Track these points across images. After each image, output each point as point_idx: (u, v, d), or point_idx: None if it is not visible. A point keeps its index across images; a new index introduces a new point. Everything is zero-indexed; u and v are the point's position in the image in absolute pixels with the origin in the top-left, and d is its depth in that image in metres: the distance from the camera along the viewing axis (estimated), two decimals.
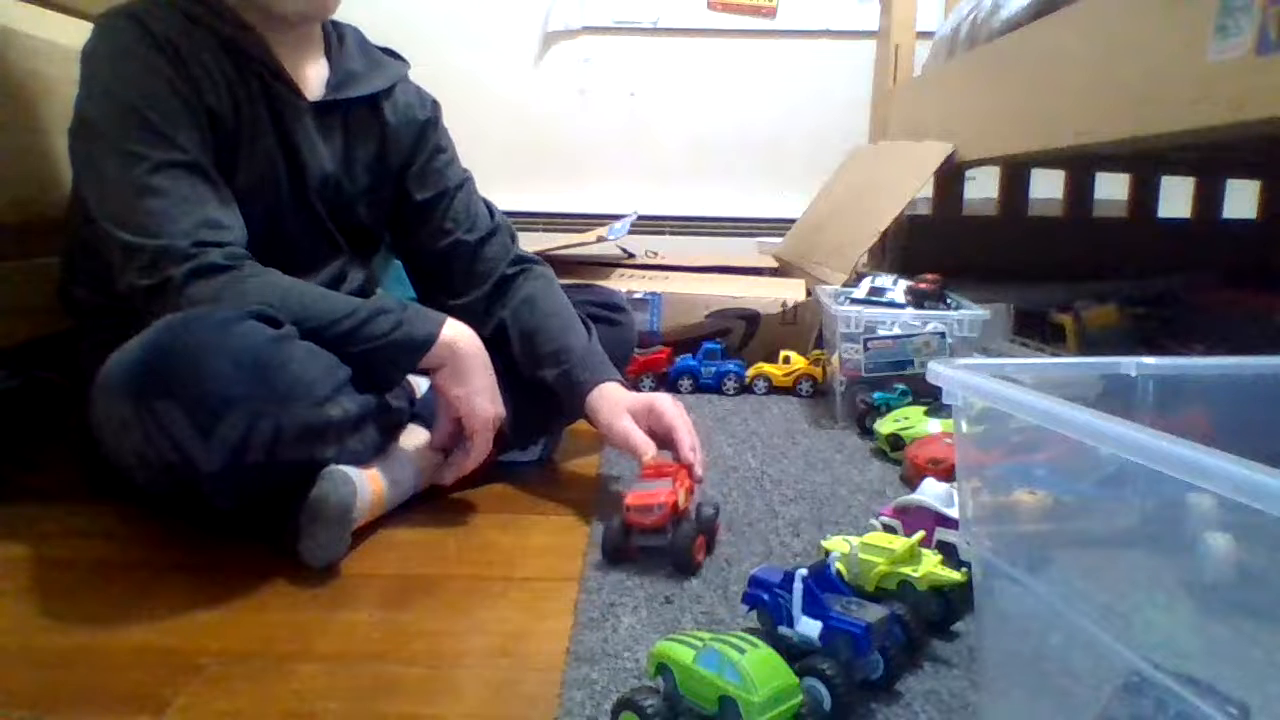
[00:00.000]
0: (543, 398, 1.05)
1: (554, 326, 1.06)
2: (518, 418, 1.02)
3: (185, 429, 0.74)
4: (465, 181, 1.14)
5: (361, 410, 0.88)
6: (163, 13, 0.90)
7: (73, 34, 1.14)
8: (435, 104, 1.14)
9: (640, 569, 0.81)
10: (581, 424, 1.18)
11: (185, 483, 0.78)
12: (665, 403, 0.99)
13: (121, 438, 0.80)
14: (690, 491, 0.90)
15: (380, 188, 1.08)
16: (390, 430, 0.96)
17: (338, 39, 1.04)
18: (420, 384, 1.04)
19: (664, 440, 0.97)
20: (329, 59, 1.03)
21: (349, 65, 1.03)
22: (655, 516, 0.83)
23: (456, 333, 0.92)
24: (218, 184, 0.89)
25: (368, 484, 0.87)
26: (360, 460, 0.88)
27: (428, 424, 0.99)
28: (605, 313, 1.18)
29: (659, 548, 0.83)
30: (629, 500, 0.84)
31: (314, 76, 1.01)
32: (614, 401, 1.00)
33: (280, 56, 0.96)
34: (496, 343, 1.03)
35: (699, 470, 0.94)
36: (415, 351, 0.89)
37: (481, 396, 0.92)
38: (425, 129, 1.11)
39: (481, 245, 1.11)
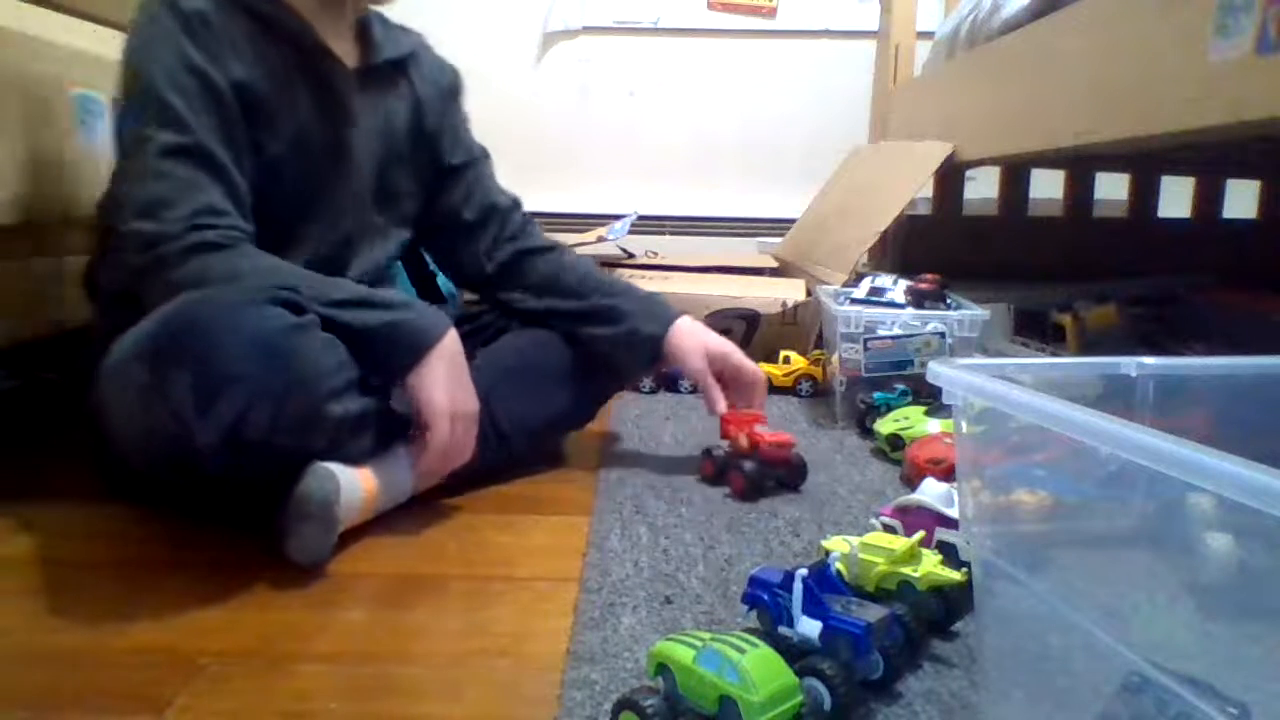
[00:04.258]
0: (560, 396, 1.09)
1: (606, 280, 1.16)
2: (536, 421, 1.07)
3: (187, 399, 0.74)
4: (486, 152, 1.21)
5: (364, 412, 0.88)
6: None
7: (73, 34, 1.14)
8: (455, 71, 1.18)
9: (640, 568, 0.81)
10: None
11: (179, 456, 0.78)
12: (741, 357, 1.10)
13: (124, 409, 0.81)
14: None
15: (418, 153, 1.12)
16: (391, 433, 0.96)
17: (363, 19, 1.07)
18: None
19: (733, 386, 1.10)
20: (358, 32, 1.06)
21: (374, 36, 1.07)
22: (788, 452, 1.02)
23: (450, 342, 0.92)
24: (225, 170, 0.90)
25: (358, 483, 0.86)
26: (356, 460, 0.88)
27: None
28: None
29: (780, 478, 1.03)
30: (766, 437, 1.01)
31: (349, 46, 1.04)
32: (691, 341, 1.09)
33: (319, 29, 0.98)
34: (535, 312, 1.12)
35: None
36: (410, 351, 0.89)
37: (437, 388, 0.89)
38: (452, 93, 1.16)
39: (512, 211, 1.19)
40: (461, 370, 0.93)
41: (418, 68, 1.12)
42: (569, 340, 1.11)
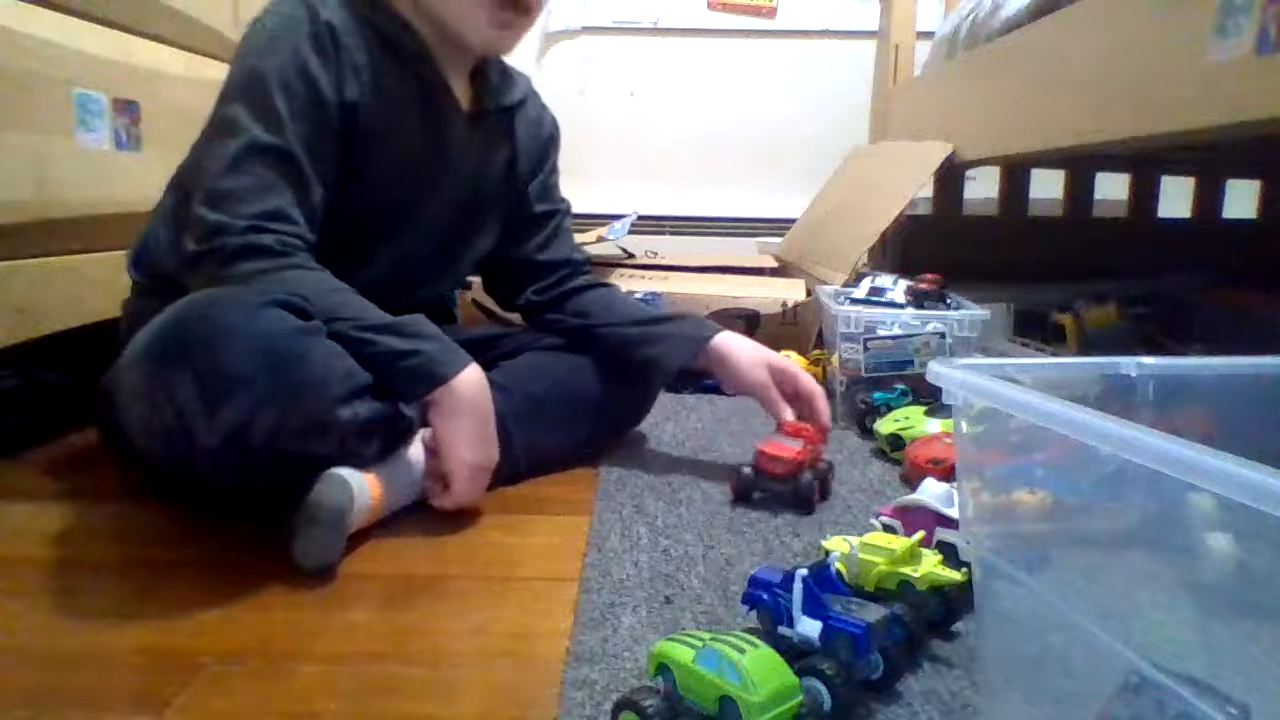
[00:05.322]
0: (579, 430, 1.10)
1: (641, 306, 1.20)
2: (551, 454, 1.07)
3: (193, 401, 0.75)
4: (569, 206, 1.24)
5: (372, 417, 0.88)
6: (335, 3, 0.94)
7: (73, 34, 1.14)
8: (555, 123, 1.22)
9: (640, 568, 0.81)
10: None
11: (184, 456, 0.79)
12: (799, 370, 1.09)
13: (134, 405, 0.81)
14: (818, 451, 1.02)
15: (506, 198, 1.14)
16: (399, 437, 0.95)
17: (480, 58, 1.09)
18: None
19: (795, 400, 1.08)
20: (474, 70, 1.08)
21: (491, 78, 1.09)
22: (784, 468, 0.96)
23: (465, 376, 0.90)
24: (305, 179, 0.91)
25: (366, 487, 0.86)
26: (363, 464, 0.88)
27: None
28: None
29: (779, 493, 0.97)
30: (765, 449, 0.98)
31: (465, 86, 1.06)
32: (752, 354, 1.09)
33: (442, 64, 1.01)
34: (574, 329, 1.15)
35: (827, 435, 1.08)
36: (425, 381, 0.88)
37: (463, 443, 0.89)
38: (549, 146, 1.20)
39: (581, 266, 1.22)
40: (487, 421, 0.92)
41: (523, 117, 1.15)
42: (602, 357, 1.12)
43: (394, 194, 1.01)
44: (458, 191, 1.07)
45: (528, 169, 1.16)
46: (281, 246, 0.87)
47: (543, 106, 1.21)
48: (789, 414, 1.06)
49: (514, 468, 1.01)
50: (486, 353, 1.12)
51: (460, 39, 1.00)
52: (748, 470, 0.98)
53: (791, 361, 1.13)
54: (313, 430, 0.80)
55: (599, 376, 1.11)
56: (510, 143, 1.13)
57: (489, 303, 1.38)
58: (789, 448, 0.98)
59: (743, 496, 0.98)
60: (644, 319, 1.14)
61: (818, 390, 1.09)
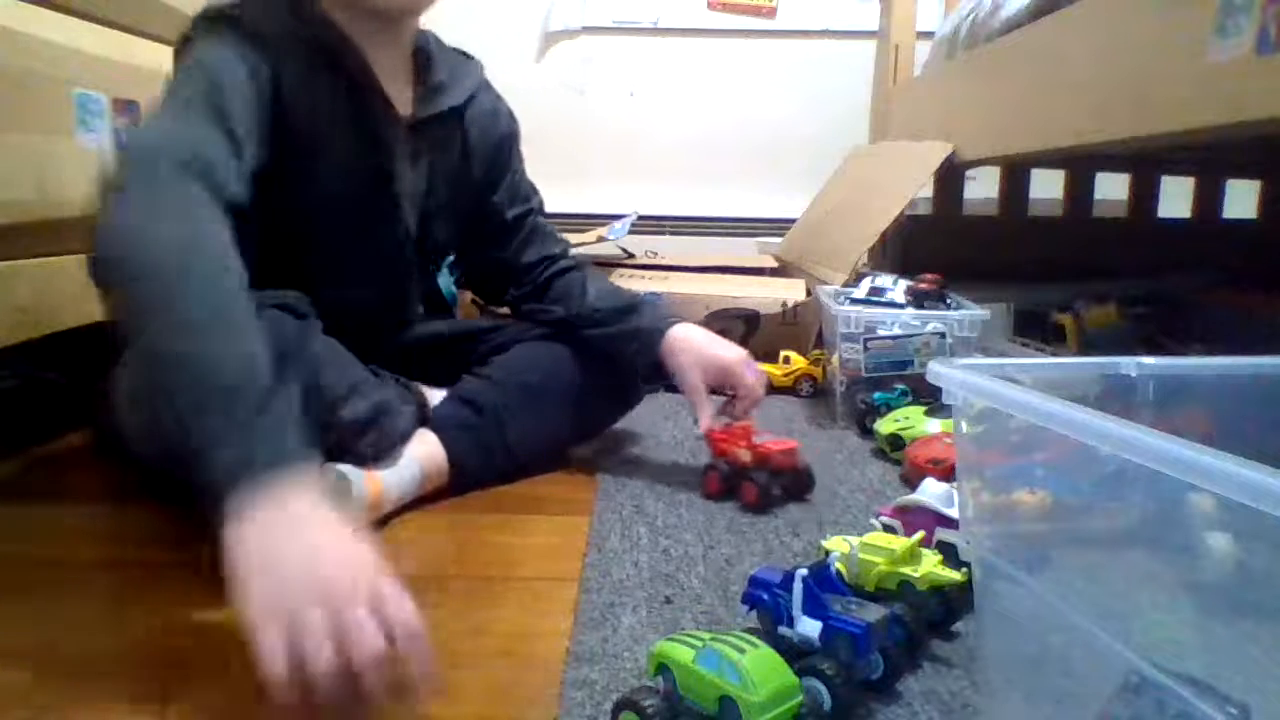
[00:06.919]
0: (571, 419, 1.09)
1: (616, 289, 1.15)
2: (544, 443, 1.06)
3: None
4: (537, 193, 1.20)
5: (371, 413, 0.88)
6: (259, 14, 0.89)
7: (73, 34, 1.14)
8: (513, 117, 1.16)
9: (640, 568, 0.81)
10: None
11: (185, 459, 0.77)
12: (742, 371, 1.06)
13: (131, 405, 0.81)
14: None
15: (458, 200, 1.09)
16: (398, 435, 0.95)
17: (424, 47, 1.04)
18: (434, 395, 1.04)
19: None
20: (416, 69, 1.02)
21: (436, 76, 1.03)
22: (797, 459, 1.00)
23: (293, 495, 0.57)
24: (240, 141, 0.83)
25: (364, 485, 0.86)
26: (360, 461, 0.88)
27: (442, 435, 0.98)
28: None
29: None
30: (772, 446, 0.99)
31: (404, 88, 1.00)
32: (695, 353, 1.06)
33: (375, 66, 0.95)
34: (551, 321, 1.11)
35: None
36: (227, 483, 0.57)
37: (256, 595, 0.53)
38: (504, 145, 1.13)
39: (561, 256, 1.18)
40: (338, 548, 0.55)
41: (474, 114, 1.08)
42: (582, 348, 1.11)
43: (343, 206, 0.96)
44: (409, 203, 1.02)
45: (482, 173, 1.10)
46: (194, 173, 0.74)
47: (497, 98, 1.13)
48: (705, 423, 1.05)
49: (512, 462, 1.02)
50: (479, 346, 1.12)
51: (368, 3, 0.92)
52: (763, 475, 0.97)
53: (738, 361, 1.07)
54: (315, 429, 0.80)
55: (586, 363, 1.10)
56: (462, 145, 1.07)
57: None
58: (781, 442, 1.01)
59: (763, 505, 0.96)
60: (616, 308, 1.11)
61: (754, 398, 1.06)
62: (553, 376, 1.08)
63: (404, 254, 1.05)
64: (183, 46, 0.90)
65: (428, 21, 1.03)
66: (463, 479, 0.99)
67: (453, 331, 1.17)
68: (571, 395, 1.09)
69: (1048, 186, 2.16)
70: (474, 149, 1.09)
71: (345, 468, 0.84)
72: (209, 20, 0.90)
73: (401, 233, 1.03)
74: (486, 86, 1.11)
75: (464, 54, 1.11)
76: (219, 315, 0.64)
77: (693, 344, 1.07)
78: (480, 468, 1.00)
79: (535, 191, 1.20)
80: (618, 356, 1.11)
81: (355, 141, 0.95)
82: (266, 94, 0.88)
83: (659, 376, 1.13)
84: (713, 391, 1.08)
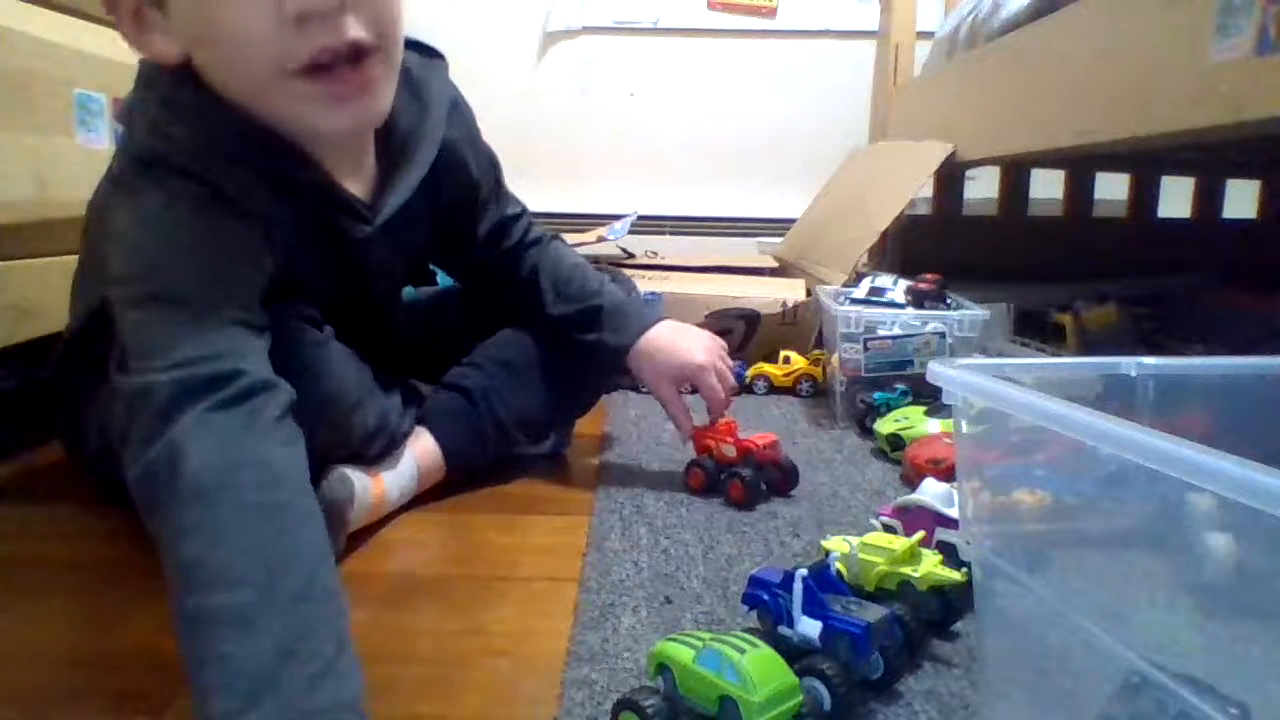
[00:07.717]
0: (557, 388, 1.07)
1: (587, 273, 1.10)
2: (534, 412, 1.05)
3: None
4: (521, 206, 1.11)
5: (380, 419, 0.88)
6: (196, 155, 0.72)
7: (73, 34, 1.14)
8: (489, 155, 1.03)
9: (640, 568, 0.81)
10: (582, 423, 1.19)
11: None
12: (709, 373, 1.05)
13: (103, 444, 0.78)
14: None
15: (438, 243, 1.04)
16: (400, 436, 0.96)
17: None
18: (423, 388, 1.05)
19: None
20: (377, 138, 0.88)
21: (397, 136, 0.88)
22: (779, 452, 1.02)
23: None
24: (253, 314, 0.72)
25: (369, 486, 0.87)
26: (364, 462, 0.88)
27: (434, 428, 0.99)
28: None
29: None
30: (755, 441, 1.01)
31: (367, 171, 0.88)
32: (664, 363, 1.04)
33: (333, 167, 0.82)
34: (526, 311, 1.07)
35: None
36: None
37: None
38: (477, 193, 1.02)
39: (546, 246, 1.12)
40: None
41: (442, 170, 0.94)
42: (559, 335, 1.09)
43: (321, 296, 0.87)
44: (384, 290, 0.98)
45: (448, 225, 1.01)
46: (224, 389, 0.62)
47: (471, 149, 0.99)
48: (684, 431, 1.05)
49: (504, 440, 1.03)
50: (462, 339, 1.11)
51: (319, 128, 0.76)
52: (749, 471, 0.98)
53: (700, 367, 1.04)
54: (335, 441, 0.81)
55: (566, 341, 1.08)
56: (428, 209, 0.96)
57: None
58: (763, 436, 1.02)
59: (749, 501, 0.97)
60: (577, 317, 1.06)
61: (721, 404, 1.06)
62: (531, 348, 1.07)
63: (378, 304, 1.00)
64: (115, 201, 0.74)
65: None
66: (459, 467, 1.00)
67: (448, 325, 1.16)
68: (555, 366, 1.08)
69: (1048, 186, 2.16)
70: (444, 210, 0.99)
71: (348, 470, 0.84)
72: (131, 186, 0.72)
73: (377, 295, 0.98)
74: (458, 123, 0.97)
75: (428, 50, 0.94)
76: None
77: (657, 356, 1.04)
78: (475, 453, 1.01)
79: (516, 204, 1.10)
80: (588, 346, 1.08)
81: (324, 244, 0.86)
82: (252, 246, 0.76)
83: (629, 374, 1.12)
84: (693, 390, 1.07)
